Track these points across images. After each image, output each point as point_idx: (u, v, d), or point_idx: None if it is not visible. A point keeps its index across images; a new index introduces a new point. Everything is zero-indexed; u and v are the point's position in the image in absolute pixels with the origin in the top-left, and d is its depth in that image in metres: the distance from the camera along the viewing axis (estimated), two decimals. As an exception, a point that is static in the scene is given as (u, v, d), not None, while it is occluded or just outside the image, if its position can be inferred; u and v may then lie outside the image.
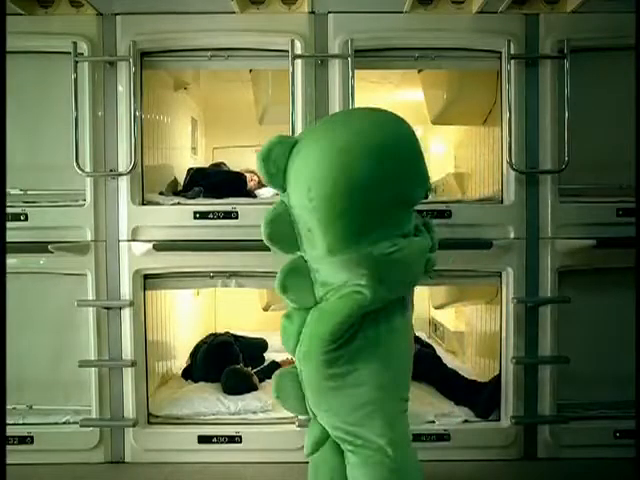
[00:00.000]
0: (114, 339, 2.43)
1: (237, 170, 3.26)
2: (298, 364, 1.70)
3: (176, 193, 2.85)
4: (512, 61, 2.35)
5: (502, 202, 2.45)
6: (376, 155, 1.53)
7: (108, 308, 2.43)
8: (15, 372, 2.30)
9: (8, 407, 2.31)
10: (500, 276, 2.46)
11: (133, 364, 2.40)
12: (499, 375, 2.51)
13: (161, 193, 2.73)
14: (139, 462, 2.44)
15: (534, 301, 2.43)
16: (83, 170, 2.35)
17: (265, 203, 2.63)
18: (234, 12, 2.35)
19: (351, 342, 1.62)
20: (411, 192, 1.64)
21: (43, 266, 2.41)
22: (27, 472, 2.32)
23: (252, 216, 2.39)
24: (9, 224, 2.20)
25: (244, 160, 3.66)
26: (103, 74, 2.39)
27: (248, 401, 2.60)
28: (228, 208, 2.39)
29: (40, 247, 2.26)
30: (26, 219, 2.37)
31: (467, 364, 3.21)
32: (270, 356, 3.26)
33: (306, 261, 1.67)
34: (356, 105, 2.33)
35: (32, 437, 2.41)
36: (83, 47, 2.35)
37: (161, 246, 2.35)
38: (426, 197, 2.83)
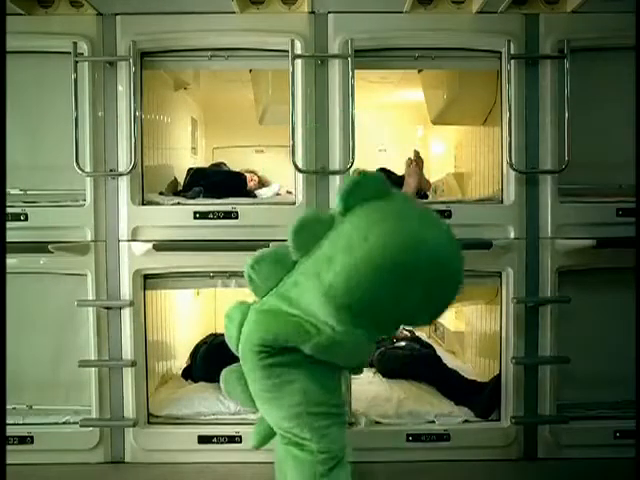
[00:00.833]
0: (114, 339, 2.43)
1: (237, 170, 3.27)
2: (241, 362, 1.70)
3: (176, 193, 2.85)
4: (512, 61, 2.35)
5: (502, 202, 2.45)
6: (402, 278, 1.49)
7: (108, 308, 2.43)
8: (15, 372, 2.29)
9: (8, 407, 2.31)
10: (500, 276, 2.46)
11: (133, 364, 2.40)
12: (499, 375, 2.51)
13: (161, 193, 2.73)
14: (139, 462, 2.44)
15: (534, 301, 2.43)
16: (83, 170, 2.35)
17: (265, 203, 2.64)
18: (234, 12, 2.35)
19: (287, 353, 1.59)
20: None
21: (43, 266, 2.41)
22: (27, 472, 2.31)
23: (252, 216, 2.40)
24: (9, 224, 2.20)
25: (244, 160, 3.67)
26: (103, 74, 2.39)
27: (248, 401, 2.60)
28: (228, 208, 2.39)
29: (40, 247, 2.26)
30: (26, 219, 2.36)
31: (467, 364, 3.21)
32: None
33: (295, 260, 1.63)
34: (356, 105, 2.33)
35: (32, 437, 2.41)
36: (83, 47, 2.35)
37: (161, 246, 2.35)
38: (426, 197, 2.85)
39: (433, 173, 3.65)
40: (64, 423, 2.46)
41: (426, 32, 2.40)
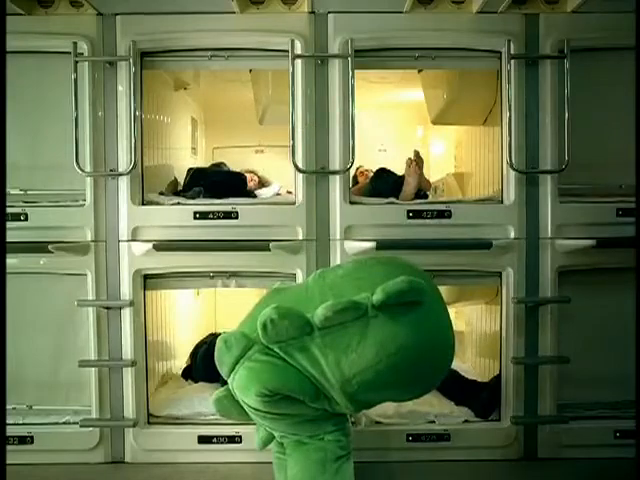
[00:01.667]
0: (114, 339, 2.43)
1: (237, 170, 3.26)
2: (232, 390, 1.72)
3: (176, 193, 2.85)
4: (512, 61, 2.35)
5: (502, 202, 2.45)
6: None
7: (108, 308, 2.43)
8: (15, 372, 2.30)
9: (8, 407, 2.31)
10: (500, 276, 2.46)
11: (133, 364, 2.40)
12: (499, 375, 2.51)
13: (161, 193, 2.72)
14: (139, 462, 2.44)
15: (534, 301, 2.43)
16: (83, 170, 2.35)
17: (265, 203, 2.64)
18: (234, 12, 2.35)
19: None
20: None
21: (43, 266, 2.41)
22: (27, 472, 2.31)
23: (252, 216, 2.40)
24: (9, 224, 2.20)
25: (244, 160, 3.67)
26: (103, 74, 2.39)
27: (248, 401, 2.60)
28: (228, 208, 2.39)
29: (40, 247, 2.26)
30: (26, 219, 2.36)
31: (467, 364, 3.20)
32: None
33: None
34: (356, 105, 2.33)
35: (32, 437, 2.41)
36: (83, 47, 2.35)
37: (161, 246, 2.35)
38: (426, 197, 2.85)
39: (433, 173, 3.65)
40: (64, 423, 2.46)
41: (426, 32, 2.40)
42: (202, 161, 3.76)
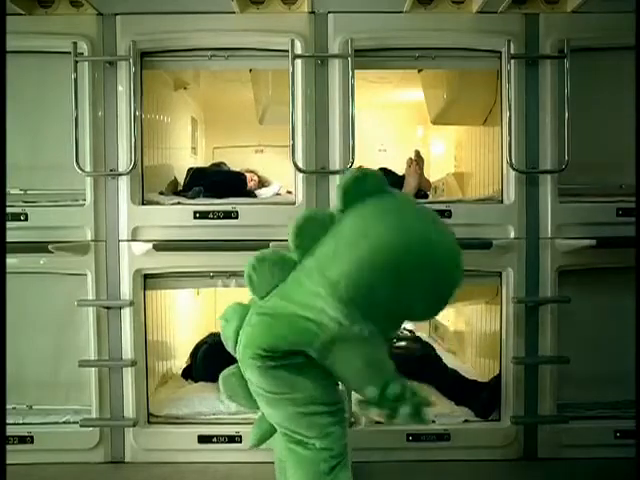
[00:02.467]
0: (114, 339, 2.43)
1: (237, 170, 3.27)
2: (240, 364, 1.70)
3: (176, 193, 2.85)
4: (512, 61, 2.35)
5: (502, 202, 2.45)
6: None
7: (108, 308, 2.43)
8: (15, 372, 2.30)
9: (8, 407, 2.31)
10: (500, 276, 2.46)
11: (133, 364, 2.40)
12: (499, 375, 2.51)
13: (161, 193, 2.73)
14: (139, 462, 2.44)
15: (534, 301, 2.43)
16: (83, 170, 2.35)
17: (265, 203, 2.64)
18: (234, 12, 2.35)
19: (290, 356, 1.58)
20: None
21: (43, 266, 2.41)
22: (27, 472, 2.31)
23: (252, 216, 2.40)
24: (9, 224, 2.20)
25: (244, 160, 3.67)
26: (103, 74, 2.39)
27: (248, 401, 2.60)
28: (228, 208, 2.39)
29: (40, 247, 2.26)
30: (26, 219, 2.36)
31: (467, 364, 3.21)
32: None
33: (295, 261, 1.64)
34: (356, 105, 2.34)
35: (32, 437, 2.41)
36: (83, 47, 2.35)
37: (161, 246, 2.35)
38: (426, 197, 2.85)
39: (433, 173, 3.65)
40: (64, 423, 2.46)
41: (426, 32, 2.40)
42: (202, 161, 3.76)
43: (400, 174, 2.87)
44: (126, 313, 2.42)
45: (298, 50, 2.34)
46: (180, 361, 3.17)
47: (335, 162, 2.40)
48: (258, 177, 3.28)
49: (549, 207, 2.40)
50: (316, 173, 2.40)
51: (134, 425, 2.41)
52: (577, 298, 2.38)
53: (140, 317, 2.46)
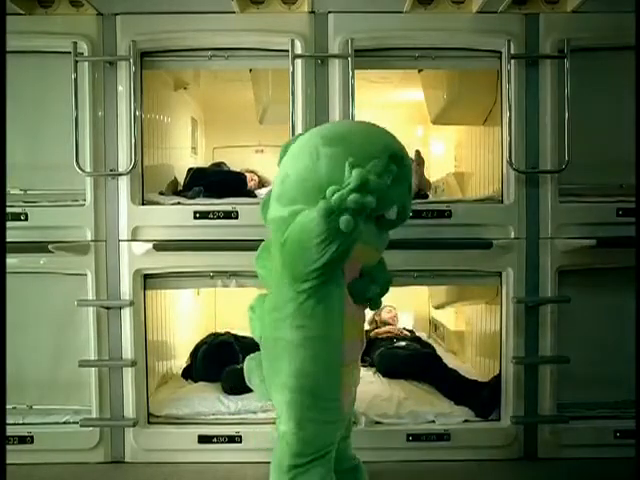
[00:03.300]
0: (114, 339, 2.43)
1: (237, 170, 3.27)
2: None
3: (176, 193, 2.85)
4: (512, 61, 2.35)
5: (502, 202, 2.45)
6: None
7: (108, 308, 2.43)
8: (15, 372, 2.30)
9: (8, 407, 2.31)
10: (500, 276, 2.46)
11: (133, 364, 2.40)
12: (499, 375, 2.51)
13: (161, 193, 2.73)
14: (139, 462, 2.44)
15: (534, 301, 2.43)
16: (83, 170, 2.35)
17: (265, 203, 2.63)
18: (234, 12, 2.35)
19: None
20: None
21: (43, 266, 2.41)
22: (27, 472, 2.31)
23: (252, 216, 2.38)
24: (9, 224, 2.20)
25: (244, 160, 3.67)
26: (103, 74, 2.39)
27: (248, 401, 2.59)
28: (228, 208, 2.39)
29: (40, 247, 2.26)
30: (26, 219, 2.36)
31: (467, 364, 3.21)
32: (270, 356, 3.26)
33: None
34: (356, 105, 2.34)
35: (32, 437, 2.41)
36: (83, 47, 2.35)
37: (161, 246, 2.35)
38: (426, 197, 2.85)
39: (433, 173, 3.65)
40: (64, 423, 2.46)
41: (426, 32, 2.39)
42: (202, 161, 3.76)
43: (400, 174, 2.86)
44: (126, 313, 2.42)
45: (298, 50, 2.34)
46: (180, 361, 3.17)
47: (335, 162, 2.39)
48: (258, 177, 3.28)
49: (549, 207, 2.40)
50: (316, 173, 2.39)
51: (134, 425, 2.40)
52: (577, 298, 2.38)
53: (140, 317, 2.46)
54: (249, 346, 3.23)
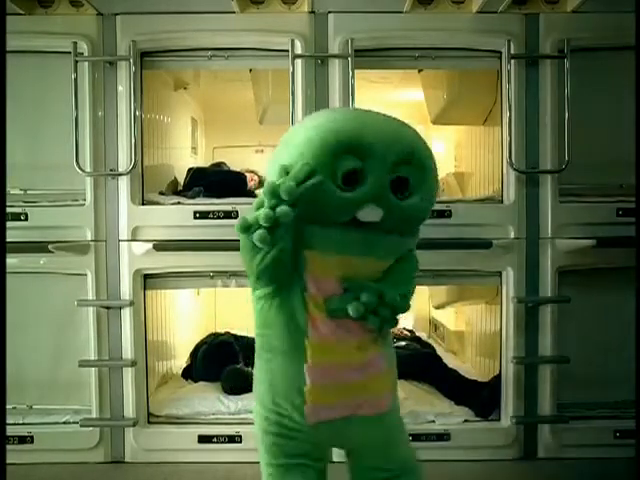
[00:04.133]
0: (114, 339, 2.43)
1: (237, 170, 3.26)
2: None
3: (176, 193, 2.85)
4: (512, 61, 2.35)
5: (502, 202, 2.45)
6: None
7: (108, 308, 2.43)
8: (15, 372, 2.30)
9: (8, 407, 2.31)
10: (500, 276, 2.46)
11: (133, 364, 2.40)
12: (499, 375, 2.51)
13: (161, 193, 2.73)
14: (139, 462, 2.44)
15: (534, 301, 2.43)
16: (83, 170, 2.35)
17: (265, 203, 2.63)
18: (234, 12, 2.35)
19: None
20: None
21: (43, 266, 2.41)
22: (27, 472, 2.31)
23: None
24: (9, 224, 2.19)
25: (244, 160, 3.66)
26: (103, 74, 2.39)
27: (248, 401, 2.59)
28: (228, 208, 2.39)
29: (40, 247, 2.26)
30: (26, 219, 2.36)
31: (467, 364, 3.21)
32: (270, 356, 3.26)
33: None
34: (356, 105, 2.33)
35: (32, 437, 2.41)
36: (83, 47, 2.35)
37: (161, 246, 2.35)
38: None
39: (433, 173, 3.64)
40: (64, 423, 2.46)
41: (426, 32, 2.39)
42: (202, 161, 3.76)
43: (400, 174, 2.86)
44: (126, 313, 2.42)
45: (298, 50, 2.34)
46: (180, 361, 3.17)
47: (335, 162, 2.39)
48: (258, 177, 3.28)
49: (549, 207, 2.40)
50: (316, 173, 2.39)
51: (134, 425, 2.40)
52: (577, 298, 2.38)
53: (140, 317, 2.46)
54: (249, 346, 3.24)
